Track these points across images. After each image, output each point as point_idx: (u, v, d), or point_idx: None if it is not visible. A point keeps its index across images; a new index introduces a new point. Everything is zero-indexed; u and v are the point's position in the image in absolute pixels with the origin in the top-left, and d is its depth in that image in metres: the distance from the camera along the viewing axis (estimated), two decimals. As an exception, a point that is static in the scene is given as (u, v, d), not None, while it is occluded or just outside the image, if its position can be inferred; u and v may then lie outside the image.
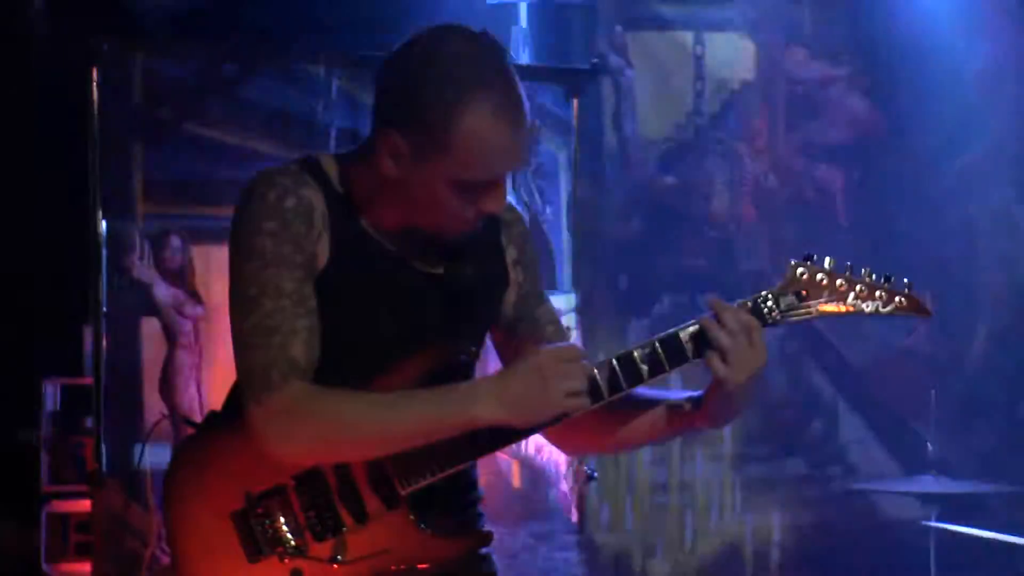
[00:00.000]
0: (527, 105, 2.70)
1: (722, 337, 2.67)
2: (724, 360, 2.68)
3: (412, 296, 2.85)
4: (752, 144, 7.05)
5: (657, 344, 2.72)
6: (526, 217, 3.05)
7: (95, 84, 5.24)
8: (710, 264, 6.85)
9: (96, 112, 5.25)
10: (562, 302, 5.94)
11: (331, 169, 2.83)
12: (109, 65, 5.33)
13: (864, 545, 6.76)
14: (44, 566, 5.67)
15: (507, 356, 3.01)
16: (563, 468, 5.85)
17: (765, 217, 6.97)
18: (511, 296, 2.99)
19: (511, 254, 2.99)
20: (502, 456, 5.70)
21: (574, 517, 5.88)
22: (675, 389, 2.83)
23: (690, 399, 2.83)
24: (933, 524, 5.68)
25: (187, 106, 5.58)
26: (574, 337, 5.81)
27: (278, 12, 5.82)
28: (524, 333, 2.98)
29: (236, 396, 2.89)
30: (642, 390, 2.78)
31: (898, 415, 6.99)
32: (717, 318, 2.69)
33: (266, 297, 2.72)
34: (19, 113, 5.80)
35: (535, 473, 5.95)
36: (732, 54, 7.07)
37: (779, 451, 6.97)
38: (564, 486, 5.89)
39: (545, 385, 2.66)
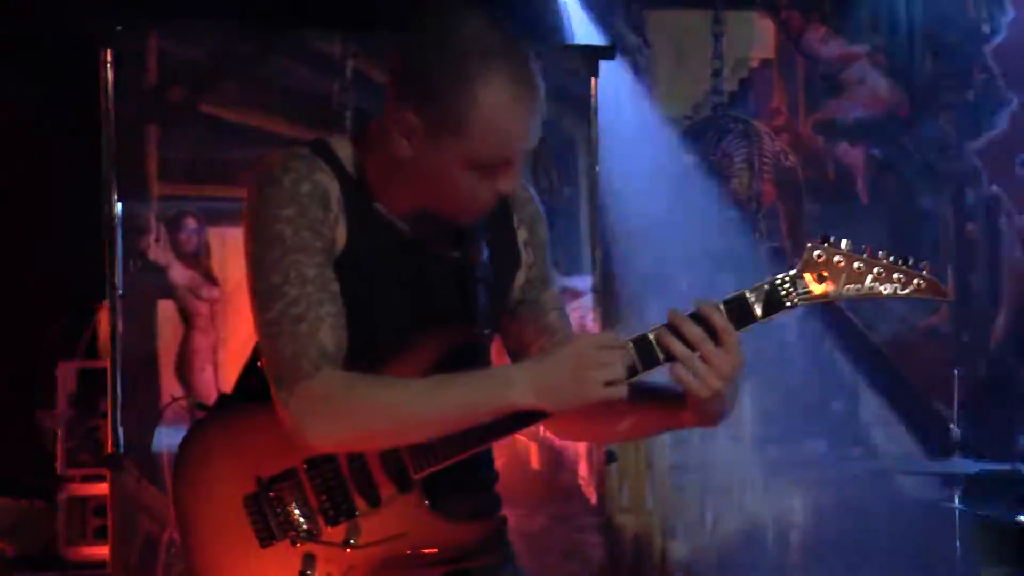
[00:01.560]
0: (541, 83, 2.67)
1: (676, 346, 2.64)
2: (690, 370, 2.64)
3: (428, 279, 2.82)
4: (771, 123, 7.02)
5: (631, 344, 2.68)
6: (537, 198, 3.01)
7: (108, 65, 5.22)
8: (729, 244, 6.81)
9: (110, 93, 5.24)
10: (582, 283, 5.92)
11: (343, 152, 2.80)
12: (123, 46, 5.31)
13: (887, 526, 6.72)
14: (62, 549, 5.67)
15: (507, 338, 2.98)
16: (582, 450, 5.83)
17: (785, 196, 6.94)
18: (520, 278, 2.96)
19: (522, 234, 2.95)
20: (520, 438, 5.68)
21: (593, 499, 5.86)
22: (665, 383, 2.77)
23: (677, 396, 2.77)
24: (956, 505, 5.64)
25: (202, 87, 5.56)
26: (591, 319, 5.80)
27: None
28: (526, 317, 2.95)
29: (247, 379, 2.87)
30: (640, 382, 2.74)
31: (921, 395, 6.95)
32: (674, 328, 2.64)
33: (289, 285, 2.69)
34: (33, 96, 5.77)
35: (554, 455, 5.93)
36: (751, 32, 7.03)
37: (800, 432, 6.93)
38: (583, 468, 5.87)
39: (583, 373, 2.63)
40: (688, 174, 6.91)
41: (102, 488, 5.48)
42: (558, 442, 5.85)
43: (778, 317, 2.69)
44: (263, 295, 2.71)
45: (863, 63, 7.05)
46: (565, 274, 5.91)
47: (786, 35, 7.03)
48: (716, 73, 6.98)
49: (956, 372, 5.85)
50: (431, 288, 2.82)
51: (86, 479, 5.66)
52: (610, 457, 5.64)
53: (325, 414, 2.68)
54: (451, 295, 2.82)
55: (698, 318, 2.63)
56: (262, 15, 5.69)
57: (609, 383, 2.63)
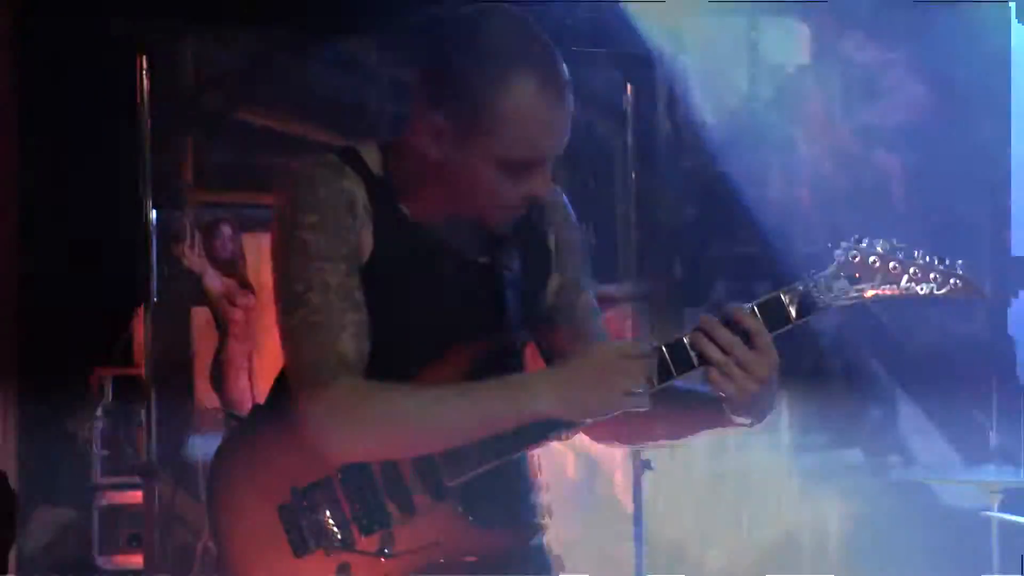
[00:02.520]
0: (570, 83, 2.66)
1: (710, 349, 2.62)
2: (723, 374, 2.62)
3: (458, 286, 2.80)
4: (807, 129, 6.99)
5: (664, 348, 2.66)
6: (569, 203, 2.99)
7: (144, 72, 5.23)
8: (765, 251, 6.79)
9: (146, 101, 5.25)
10: (618, 291, 5.90)
11: (371, 158, 2.78)
12: (159, 53, 5.32)
13: (924, 535, 6.67)
14: (97, 558, 5.68)
15: (541, 344, 2.96)
16: (619, 458, 5.80)
17: (821, 203, 6.91)
18: (553, 283, 2.94)
19: (554, 239, 2.93)
20: (556, 446, 5.65)
21: (629, 507, 5.83)
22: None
23: (713, 399, 2.75)
24: (995, 514, 5.60)
25: (238, 94, 5.57)
26: (629, 327, 5.78)
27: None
28: (560, 322, 2.93)
29: (281, 389, 2.85)
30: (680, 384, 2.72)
31: (958, 403, 6.90)
32: (706, 332, 2.63)
33: (312, 292, 2.68)
34: (69, 103, 5.78)
35: (590, 463, 5.91)
36: (787, 39, 7.00)
37: (837, 440, 6.90)
38: (619, 476, 5.85)
39: (607, 382, 2.60)
40: (724, 181, 6.89)
41: (136, 496, 5.48)
42: (594, 450, 5.83)
43: (812, 319, 2.66)
44: (286, 302, 2.71)
45: (900, 69, 7.01)
46: (601, 281, 5.89)
47: (822, 41, 7.00)
48: (752, 80, 6.95)
49: (994, 380, 5.79)
50: (461, 295, 2.80)
51: (121, 487, 5.67)
52: (646, 466, 5.61)
53: (341, 421, 2.67)
54: (482, 302, 2.80)
55: (731, 321, 2.61)
56: (298, 22, 5.69)
57: (631, 392, 2.61)
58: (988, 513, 5.61)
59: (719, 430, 2.82)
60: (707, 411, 2.74)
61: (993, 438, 5.74)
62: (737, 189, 6.90)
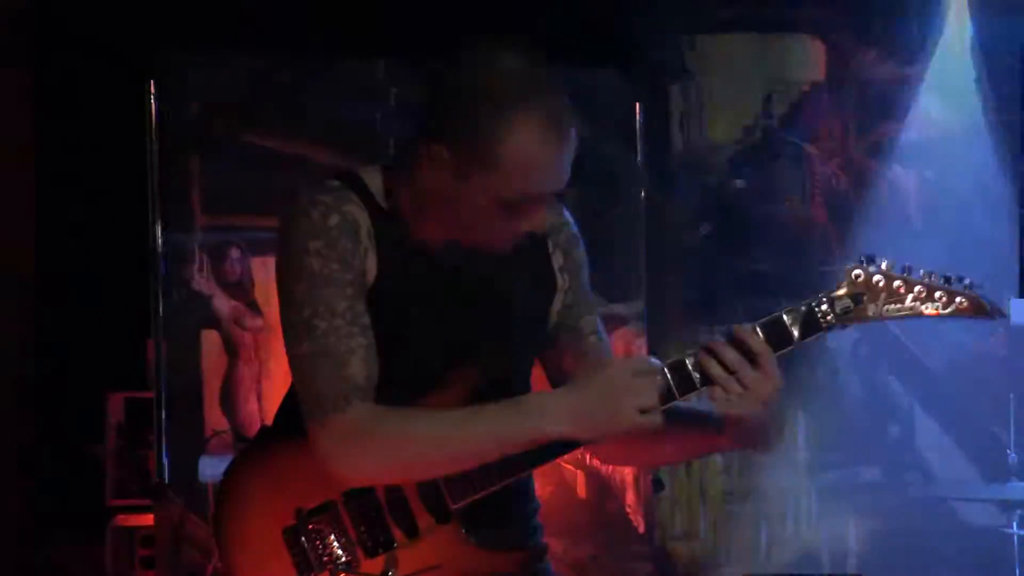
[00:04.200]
0: (573, 122, 2.65)
1: (714, 368, 2.61)
2: (728, 396, 2.61)
3: (462, 308, 2.81)
4: (823, 146, 6.97)
5: (667, 368, 2.65)
6: (573, 222, 2.99)
7: (151, 97, 5.25)
8: (781, 268, 6.76)
9: (153, 125, 5.26)
10: (628, 310, 5.89)
11: (373, 183, 2.79)
12: (165, 78, 5.34)
13: (944, 553, 6.64)
14: (110, 581, 5.70)
15: (546, 365, 2.96)
16: (629, 478, 5.79)
17: (837, 219, 6.89)
18: (557, 303, 2.93)
19: (558, 260, 2.94)
20: (567, 466, 5.65)
21: (641, 527, 5.82)
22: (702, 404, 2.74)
23: (715, 419, 2.74)
24: (1014, 531, 5.57)
25: (244, 117, 5.57)
26: (639, 345, 5.76)
27: (334, 20, 5.78)
28: (565, 343, 2.93)
29: (286, 411, 2.87)
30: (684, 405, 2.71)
31: (977, 420, 6.87)
32: (712, 352, 2.62)
33: (319, 318, 2.69)
34: (76, 128, 5.79)
35: (601, 483, 5.89)
36: (801, 55, 6.99)
37: (854, 458, 6.87)
38: (630, 496, 5.83)
39: (616, 401, 2.60)
40: (739, 198, 6.87)
41: (150, 518, 5.49)
42: (605, 471, 5.82)
43: (817, 338, 2.65)
44: (293, 328, 2.72)
45: (915, 85, 6.99)
46: (611, 300, 5.89)
47: (836, 58, 6.98)
48: (766, 97, 6.93)
49: (1012, 396, 5.77)
50: (466, 317, 2.81)
51: (134, 509, 5.68)
52: (658, 486, 5.60)
53: (355, 447, 2.68)
54: (487, 323, 2.81)
55: (735, 342, 2.60)
56: (304, 44, 5.70)
57: (643, 410, 2.60)
58: (1008, 530, 5.59)
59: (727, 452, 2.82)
60: (710, 433, 2.74)
61: (1012, 455, 5.69)
62: (751, 206, 6.88)
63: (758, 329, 2.63)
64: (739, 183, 6.86)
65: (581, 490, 5.87)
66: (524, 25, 5.52)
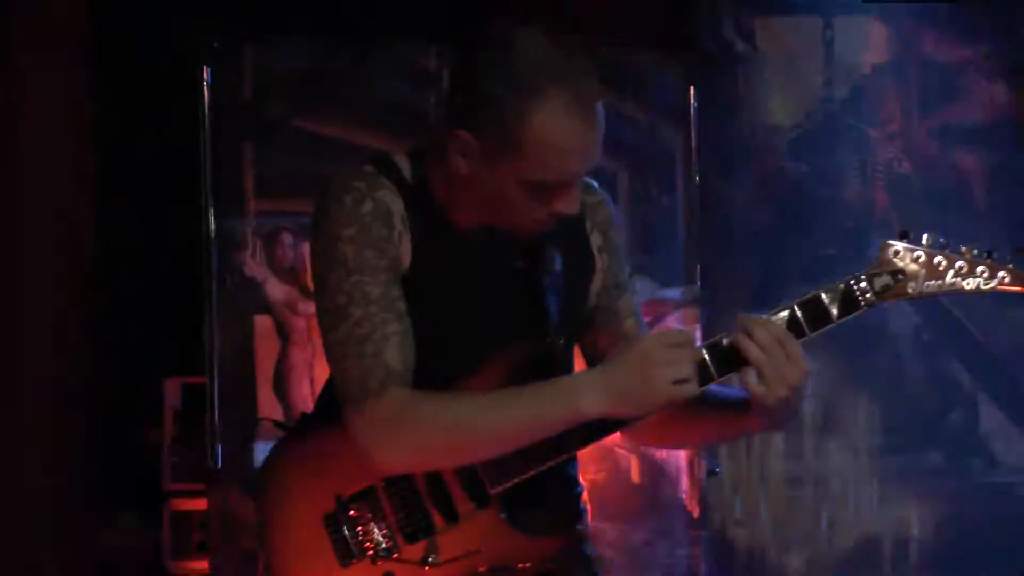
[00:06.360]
0: (601, 105, 2.64)
1: (753, 351, 2.59)
2: (760, 376, 2.59)
3: (498, 292, 2.81)
4: (884, 129, 6.90)
5: (704, 351, 2.64)
6: (611, 201, 2.98)
7: (205, 82, 5.27)
8: (842, 252, 6.71)
9: (207, 110, 5.29)
10: (680, 295, 5.86)
11: (406, 168, 2.80)
12: (219, 62, 5.36)
13: (1007, 539, 6.58)
14: (168, 564, 5.73)
15: (584, 346, 2.96)
16: (683, 463, 5.77)
17: (898, 204, 6.83)
18: (596, 284, 2.93)
19: (596, 240, 2.94)
20: (621, 451, 5.64)
21: (696, 513, 5.80)
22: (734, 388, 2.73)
23: (743, 401, 2.72)
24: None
25: (297, 102, 5.59)
26: (695, 331, 5.74)
27: (387, 4, 5.78)
28: (601, 324, 2.93)
29: (327, 398, 2.88)
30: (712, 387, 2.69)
31: (1041, 405, 6.81)
32: (747, 332, 2.60)
33: (354, 305, 2.71)
34: (131, 115, 5.83)
35: (655, 468, 5.87)
36: (863, 37, 6.92)
37: (916, 443, 6.81)
38: (684, 481, 5.81)
39: (651, 374, 2.60)
40: (799, 182, 6.82)
41: (205, 503, 5.53)
42: (659, 456, 5.80)
43: (853, 318, 2.64)
44: (328, 316, 2.73)
45: (979, 67, 6.91)
46: (664, 285, 5.87)
47: (899, 40, 6.91)
48: (828, 80, 6.87)
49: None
50: (502, 300, 2.81)
51: (191, 494, 5.72)
52: (712, 471, 5.58)
53: (393, 434, 2.68)
54: (523, 306, 2.81)
55: (766, 327, 2.59)
56: (357, 29, 5.69)
57: (678, 381, 2.58)
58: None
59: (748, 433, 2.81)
60: (740, 413, 2.73)
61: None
62: (813, 190, 6.83)
63: (796, 308, 2.62)
64: (799, 167, 6.81)
65: (635, 475, 5.85)
66: (578, 8, 5.50)
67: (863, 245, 6.72)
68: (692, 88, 5.85)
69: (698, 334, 5.63)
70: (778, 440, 6.36)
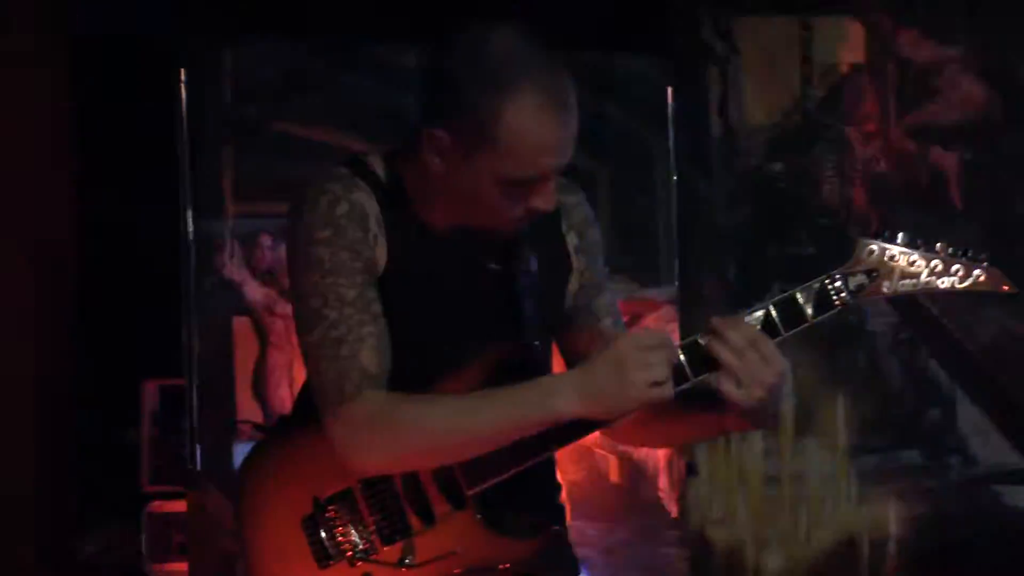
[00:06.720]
0: (574, 100, 2.65)
1: (725, 354, 2.59)
2: (734, 380, 2.59)
3: (474, 293, 2.82)
4: (862, 128, 6.91)
5: (680, 352, 2.64)
6: (587, 202, 2.98)
7: (183, 84, 5.27)
8: (820, 252, 6.73)
9: (184, 113, 5.29)
10: (660, 295, 5.87)
11: (381, 169, 2.80)
12: (197, 65, 5.36)
13: (985, 537, 6.60)
14: (147, 566, 5.73)
15: (563, 347, 2.96)
16: (662, 463, 5.78)
17: (877, 203, 6.84)
18: (573, 284, 2.93)
19: (572, 240, 2.94)
20: (599, 451, 5.65)
21: (674, 512, 5.81)
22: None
23: (721, 401, 2.72)
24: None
25: (275, 104, 5.59)
26: (672, 330, 5.75)
27: (365, 6, 5.78)
28: (580, 324, 2.94)
29: (305, 400, 2.88)
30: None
31: (1019, 403, 6.82)
32: (720, 336, 2.60)
33: (329, 307, 2.71)
34: (109, 117, 5.82)
35: (634, 468, 5.88)
36: (841, 36, 6.93)
37: (895, 441, 6.82)
38: (663, 481, 5.82)
39: (627, 376, 2.59)
40: (777, 182, 6.83)
41: (185, 505, 5.53)
42: (638, 455, 5.81)
43: (829, 317, 2.64)
44: (304, 319, 2.73)
45: (956, 66, 6.93)
46: (642, 285, 5.88)
47: (876, 39, 6.92)
48: (805, 79, 6.88)
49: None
50: (478, 301, 2.81)
51: (170, 496, 5.72)
52: (691, 470, 5.59)
53: (369, 436, 2.69)
54: (499, 307, 2.81)
55: (738, 330, 2.60)
56: (334, 31, 5.69)
57: (654, 383, 2.58)
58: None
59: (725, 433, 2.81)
60: (718, 413, 2.73)
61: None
62: (791, 190, 6.84)
63: (771, 308, 2.62)
64: (777, 166, 6.82)
65: (614, 475, 5.86)
66: (555, 9, 5.50)
67: (841, 244, 6.71)
68: (670, 88, 5.86)
69: (676, 334, 5.64)
70: (756, 439, 6.36)
